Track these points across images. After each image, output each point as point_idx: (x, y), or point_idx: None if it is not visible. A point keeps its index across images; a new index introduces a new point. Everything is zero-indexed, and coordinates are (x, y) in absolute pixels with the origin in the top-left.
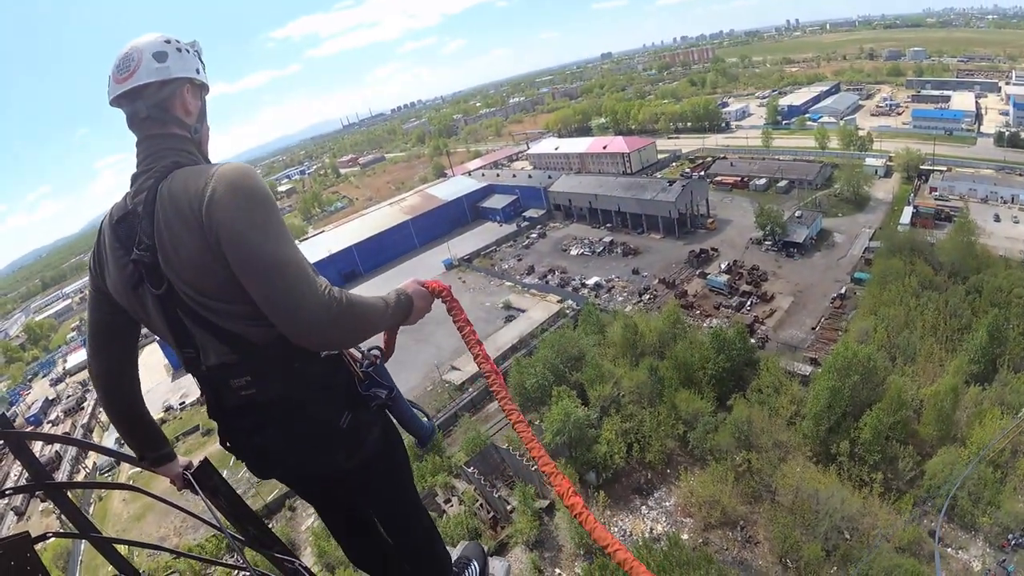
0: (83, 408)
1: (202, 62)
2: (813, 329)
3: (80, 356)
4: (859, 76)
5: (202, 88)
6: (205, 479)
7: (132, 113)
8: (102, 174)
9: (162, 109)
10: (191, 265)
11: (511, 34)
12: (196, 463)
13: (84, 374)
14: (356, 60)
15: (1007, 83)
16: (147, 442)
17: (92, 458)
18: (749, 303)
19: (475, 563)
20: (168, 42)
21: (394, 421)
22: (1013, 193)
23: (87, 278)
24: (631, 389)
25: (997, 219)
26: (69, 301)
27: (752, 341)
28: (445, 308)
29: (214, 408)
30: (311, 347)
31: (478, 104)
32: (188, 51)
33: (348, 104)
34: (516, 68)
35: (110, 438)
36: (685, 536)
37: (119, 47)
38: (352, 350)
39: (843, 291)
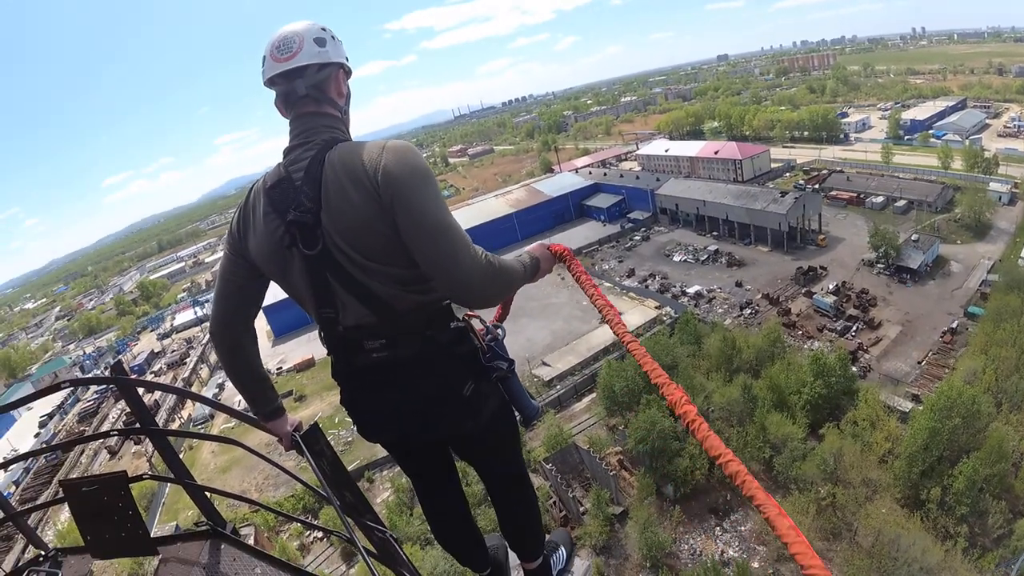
0: (185, 363)
1: None
2: (919, 363)
3: (187, 315)
4: (987, 92)
5: (349, 74)
6: (312, 442)
7: (289, 91)
8: (221, 150)
9: (319, 90)
10: (358, 225)
11: (624, 32)
12: (306, 426)
13: (189, 332)
14: (469, 53)
15: None
16: (263, 398)
17: (188, 409)
18: (854, 328)
19: (563, 549)
20: (324, 29)
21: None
22: None
23: (201, 244)
24: (722, 405)
25: None
26: (182, 264)
27: (853, 369)
28: (568, 268)
29: (343, 368)
30: (466, 302)
31: (589, 101)
32: (338, 40)
33: (460, 95)
34: (628, 67)
35: (208, 391)
36: (756, 564)
37: (234, 34)
38: (476, 323)
39: (955, 325)
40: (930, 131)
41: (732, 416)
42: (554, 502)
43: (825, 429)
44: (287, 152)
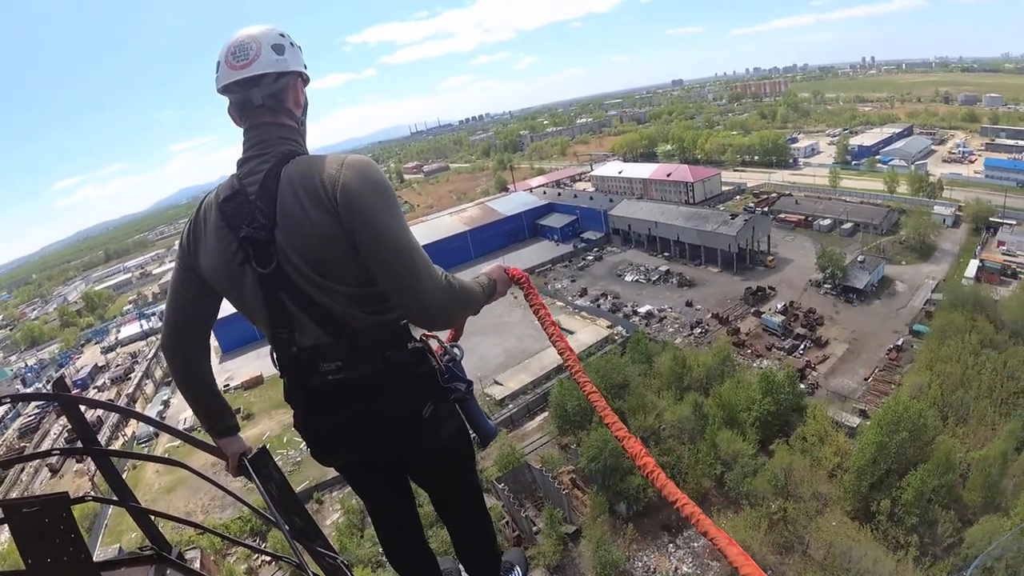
0: (130, 378)
1: None
2: (866, 379)
3: (133, 329)
4: (933, 120)
5: (307, 82)
6: (260, 465)
7: (245, 100)
8: (175, 157)
9: (276, 99)
10: (315, 243)
11: (584, 55)
12: (254, 447)
13: (135, 345)
14: (429, 69)
15: None
16: (216, 414)
17: (132, 426)
18: (802, 347)
19: (518, 569)
20: (283, 35)
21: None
22: None
23: (149, 255)
24: (673, 423)
25: None
26: (129, 275)
27: (802, 386)
28: (523, 294)
29: (297, 389)
30: (427, 324)
31: (545, 122)
32: (297, 46)
33: (418, 111)
34: (586, 89)
35: (152, 409)
36: None
37: (197, 39)
38: (433, 344)
39: (900, 343)
40: (877, 156)
41: (683, 433)
42: (507, 522)
43: (775, 445)
44: (241, 163)
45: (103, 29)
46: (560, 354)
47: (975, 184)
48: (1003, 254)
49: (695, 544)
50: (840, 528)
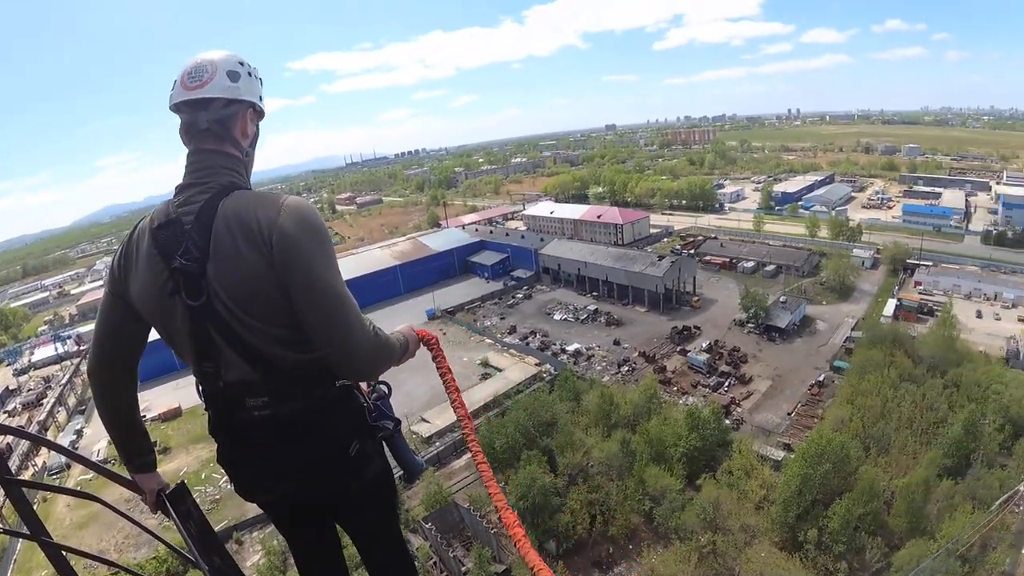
0: (42, 404)
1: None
2: (789, 414)
3: (47, 351)
4: (854, 168)
5: (260, 115)
6: (178, 502)
7: (192, 122)
8: (102, 172)
9: (222, 125)
10: (245, 282)
11: (522, 96)
12: (172, 483)
13: (48, 369)
14: (368, 101)
15: (998, 182)
16: (136, 448)
17: (43, 456)
18: (727, 384)
19: None
20: (242, 64)
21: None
22: (996, 290)
23: (68, 274)
24: (601, 460)
25: (979, 315)
26: (47, 294)
27: (727, 422)
28: (431, 356)
29: (221, 424)
30: (351, 374)
31: (481, 160)
32: (256, 77)
33: (354, 142)
34: (523, 129)
35: (65, 439)
36: None
37: (134, 57)
38: (361, 384)
39: (822, 378)
40: (799, 202)
41: (611, 470)
42: (435, 562)
43: (702, 480)
44: (179, 190)
45: (34, 27)
46: (459, 420)
47: (893, 228)
48: (920, 293)
49: None
50: (769, 559)
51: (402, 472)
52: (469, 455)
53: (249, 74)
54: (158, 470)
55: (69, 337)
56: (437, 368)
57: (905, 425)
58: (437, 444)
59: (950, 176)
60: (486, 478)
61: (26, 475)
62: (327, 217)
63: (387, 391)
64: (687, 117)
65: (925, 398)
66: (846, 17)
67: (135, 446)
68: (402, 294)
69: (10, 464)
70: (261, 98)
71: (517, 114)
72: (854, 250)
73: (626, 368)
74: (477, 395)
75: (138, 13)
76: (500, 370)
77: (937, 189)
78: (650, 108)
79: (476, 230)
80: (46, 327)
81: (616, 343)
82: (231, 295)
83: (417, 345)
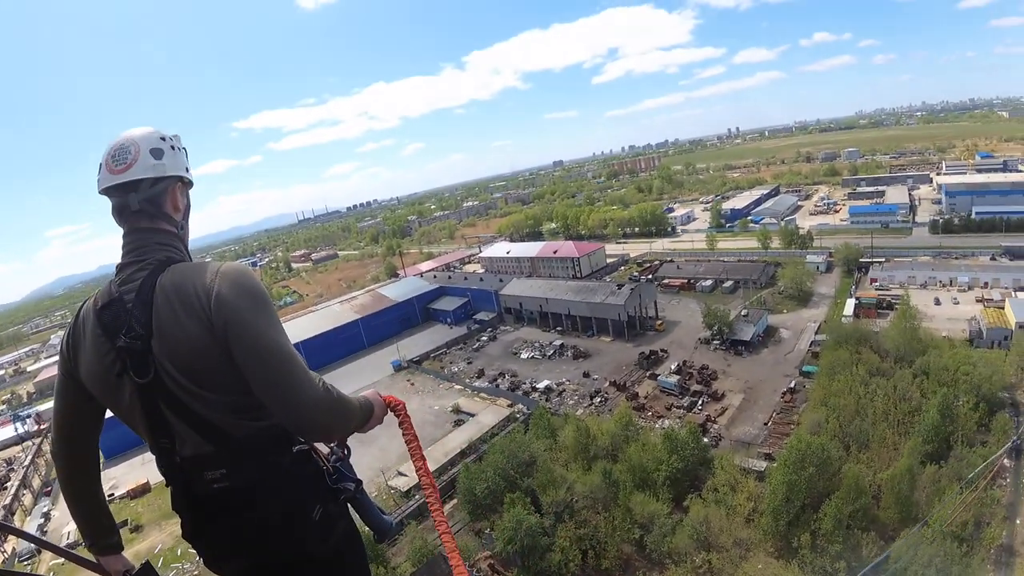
0: (5, 488)
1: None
2: (765, 424)
3: (7, 432)
4: (797, 178)
5: (189, 185)
6: None
7: (122, 205)
8: (51, 244)
9: (154, 204)
10: (190, 353)
11: (467, 140)
12: (137, 566)
13: (9, 451)
14: (316, 156)
15: (938, 173)
16: (101, 530)
17: (12, 543)
18: (700, 402)
19: None
20: (164, 139)
21: (354, 516)
22: (951, 276)
23: (23, 350)
24: (585, 493)
25: (938, 302)
26: (2, 372)
27: (705, 440)
28: (397, 422)
29: (182, 498)
30: (304, 433)
31: (433, 206)
32: (180, 149)
33: (305, 198)
34: (471, 173)
35: (32, 523)
36: None
37: (80, 123)
38: (319, 446)
39: (793, 385)
40: (749, 217)
41: (597, 503)
42: None
43: (688, 500)
44: (120, 269)
45: None
46: (423, 488)
47: (843, 231)
48: (876, 289)
49: None
50: (767, 569)
51: (372, 533)
52: (451, 505)
53: (172, 147)
54: (130, 549)
55: (28, 416)
56: (403, 435)
57: (881, 419)
58: (416, 497)
59: (891, 174)
60: (448, 549)
61: None
62: (283, 275)
63: (347, 452)
64: (631, 146)
65: (897, 390)
66: (774, 35)
67: (99, 527)
68: (365, 347)
69: None
70: (188, 169)
71: (462, 158)
72: (807, 256)
73: (598, 399)
74: (452, 442)
75: (79, 81)
76: (472, 415)
77: (880, 188)
78: (594, 141)
79: (435, 276)
80: (4, 407)
81: (586, 375)
82: (178, 368)
83: (384, 411)
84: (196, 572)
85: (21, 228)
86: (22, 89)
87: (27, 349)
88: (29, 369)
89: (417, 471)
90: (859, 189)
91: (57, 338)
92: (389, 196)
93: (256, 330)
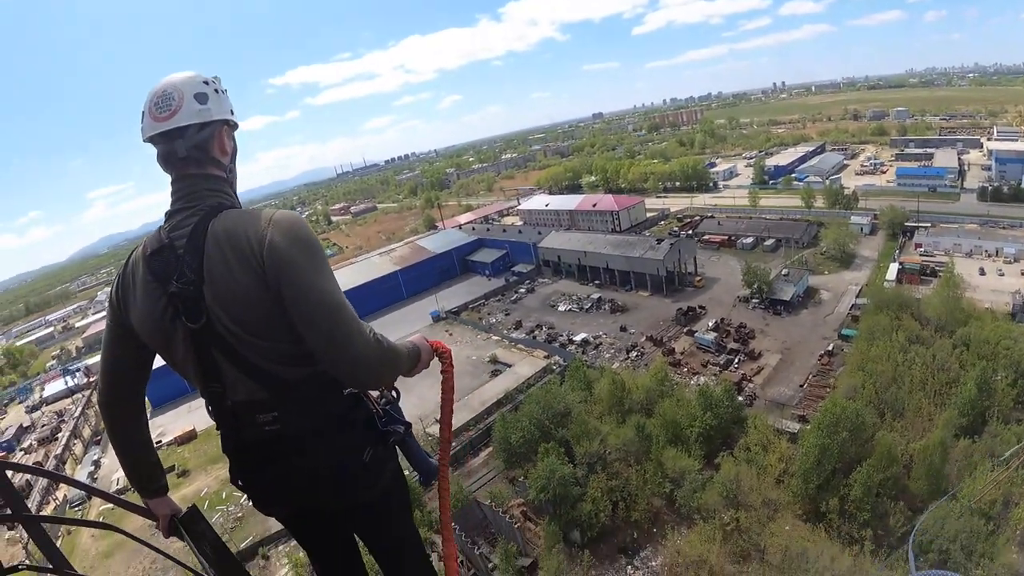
0: (57, 438)
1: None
2: (801, 386)
3: (57, 386)
4: (844, 136)
5: (235, 127)
6: (192, 525)
7: (169, 152)
8: (94, 205)
9: (201, 150)
10: (242, 301)
11: (505, 92)
12: (184, 509)
13: (60, 404)
14: (353, 110)
15: (988, 139)
16: (148, 474)
17: (63, 489)
18: (737, 361)
19: None
20: (207, 83)
21: (400, 458)
22: (997, 246)
23: (71, 307)
24: (617, 446)
25: (982, 272)
26: (51, 329)
27: (740, 399)
28: (440, 368)
29: (233, 442)
30: (355, 383)
31: (471, 159)
32: (223, 91)
33: (343, 152)
34: (509, 125)
35: (83, 471)
36: None
37: (119, 81)
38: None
39: (831, 348)
40: (793, 175)
41: (629, 456)
42: (461, 561)
43: (720, 458)
44: (169, 215)
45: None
46: (442, 444)
47: (889, 193)
48: (921, 255)
49: (653, 563)
50: (794, 531)
51: (418, 475)
52: (486, 453)
53: (216, 91)
54: (177, 493)
55: (78, 370)
56: (443, 383)
57: (918, 388)
58: (453, 444)
59: (940, 136)
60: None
61: (48, 509)
62: (323, 229)
63: (396, 396)
64: (673, 99)
65: (935, 359)
66: None
67: (147, 472)
68: (405, 299)
69: (32, 499)
70: (232, 111)
71: (500, 111)
72: (852, 217)
73: (635, 353)
74: (489, 392)
75: (115, 41)
76: (509, 366)
77: (929, 150)
78: (635, 93)
79: (473, 229)
80: (54, 362)
81: (623, 329)
82: (230, 315)
83: (431, 356)
84: (240, 514)
85: (63, 191)
86: (59, 56)
87: (75, 306)
88: (77, 325)
89: (442, 420)
90: (907, 151)
91: (104, 294)
92: (427, 149)
93: (309, 280)
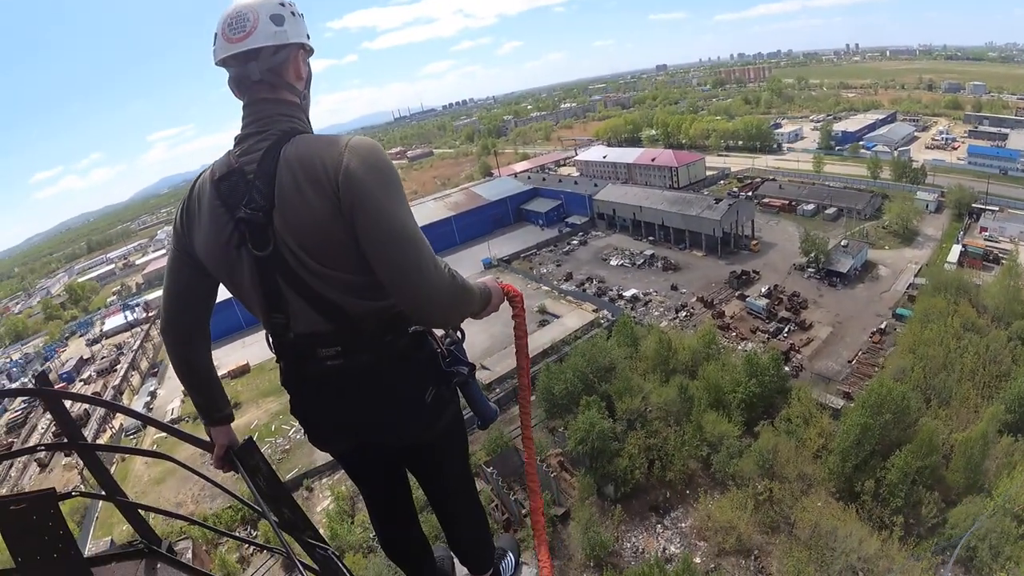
0: (115, 370)
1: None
2: (849, 362)
3: (117, 320)
4: (916, 107)
5: (310, 52)
6: (247, 458)
7: (242, 75)
8: (154, 147)
9: (276, 74)
10: (313, 228)
11: (566, 39)
12: (241, 441)
13: (119, 337)
14: (411, 55)
15: None
16: (213, 402)
17: (119, 418)
18: (787, 330)
19: (511, 555)
20: (283, 4)
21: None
22: None
23: (131, 245)
24: (659, 405)
25: None
26: (112, 266)
27: (786, 369)
28: (512, 313)
29: (293, 375)
30: (426, 320)
31: (529, 107)
32: (299, 15)
33: (401, 97)
34: (569, 74)
35: (139, 401)
36: (697, 560)
37: (169, 24)
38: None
39: (883, 326)
40: (860, 142)
41: (669, 416)
42: (496, 505)
43: (760, 427)
44: (239, 140)
45: (66, 14)
46: (520, 389)
47: (958, 171)
48: (985, 240)
49: (683, 524)
50: (825, 508)
51: (476, 418)
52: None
53: (293, 14)
54: (232, 428)
55: (137, 305)
56: (515, 328)
57: (967, 377)
58: (497, 390)
59: (1017, 117)
60: (527, 450)
61: (105, 437)
62: None
63: (461, 336)
64: (741, 54)
65: (989, 350)
66: None
67: (212, 400)
68: (458, 244)
69: (89, 427)
70: (308, 36)
71: (561, 58)
72: (918, 193)
73: (684, 313)
74: (536, 342)
75: None
76: (557, 317)
77: (1004, 130)
78: (701, 46)
79: (528, 178)
80: (114, 297)
81: (673, 288)
82: (299, 243)
83: (501, 299)
84: (288, 447)
85: (124, 133)
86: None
87: (135, 244)
88: (137, 263)
89: (519, 368)
90: (980, 128)
91: (164, 233)
92: (485, 95)
93: (386, 211)
